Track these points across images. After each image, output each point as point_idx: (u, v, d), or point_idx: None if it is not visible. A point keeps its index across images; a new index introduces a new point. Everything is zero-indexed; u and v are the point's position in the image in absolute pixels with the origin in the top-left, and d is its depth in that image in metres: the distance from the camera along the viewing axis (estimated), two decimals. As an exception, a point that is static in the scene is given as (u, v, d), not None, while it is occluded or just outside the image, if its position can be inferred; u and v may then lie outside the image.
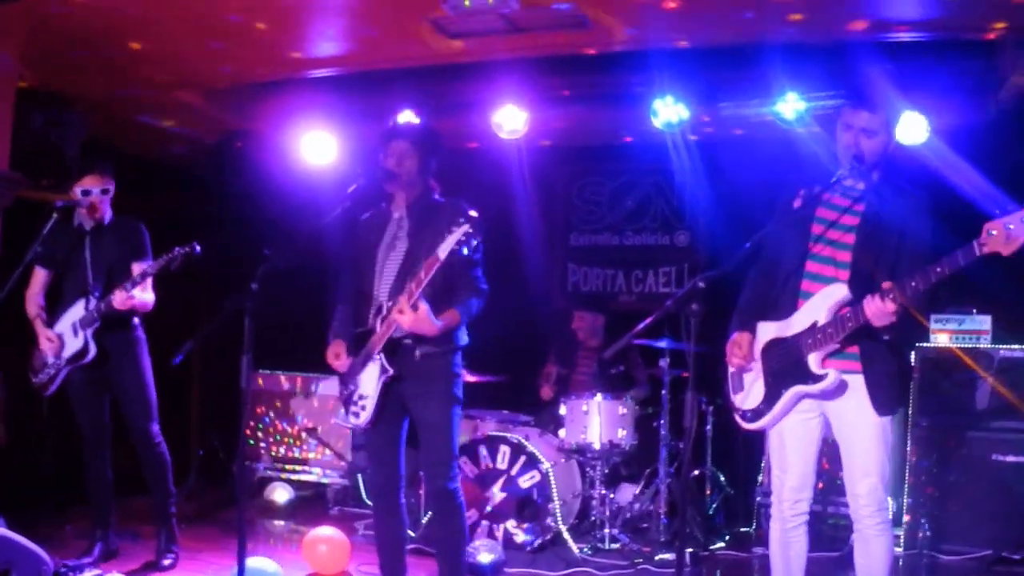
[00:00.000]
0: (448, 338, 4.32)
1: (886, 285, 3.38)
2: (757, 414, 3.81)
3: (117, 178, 5.37)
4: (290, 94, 6.91)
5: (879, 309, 3.40)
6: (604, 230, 8.40)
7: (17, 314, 5.36)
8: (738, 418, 3.94)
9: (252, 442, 7.95)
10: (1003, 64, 5.73)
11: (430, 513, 6.10)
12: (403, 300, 4.05)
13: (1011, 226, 3.15)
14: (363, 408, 4.36)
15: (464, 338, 4.41)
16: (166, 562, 5.42)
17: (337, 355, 4.44)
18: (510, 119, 6.78)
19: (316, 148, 7.41)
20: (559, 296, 8.32)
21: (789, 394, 3.69)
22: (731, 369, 3.95)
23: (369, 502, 4.83)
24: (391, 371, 4.25)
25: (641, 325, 3.72)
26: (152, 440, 5.43)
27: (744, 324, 3.87)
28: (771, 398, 3.76)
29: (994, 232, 3.18)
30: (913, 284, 3.34)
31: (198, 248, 4.98)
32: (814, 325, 3.61)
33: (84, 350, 5.20)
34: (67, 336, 5.23)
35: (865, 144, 3.67)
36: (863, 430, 3.64)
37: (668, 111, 6.39)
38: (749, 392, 3.86)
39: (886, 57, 5.63)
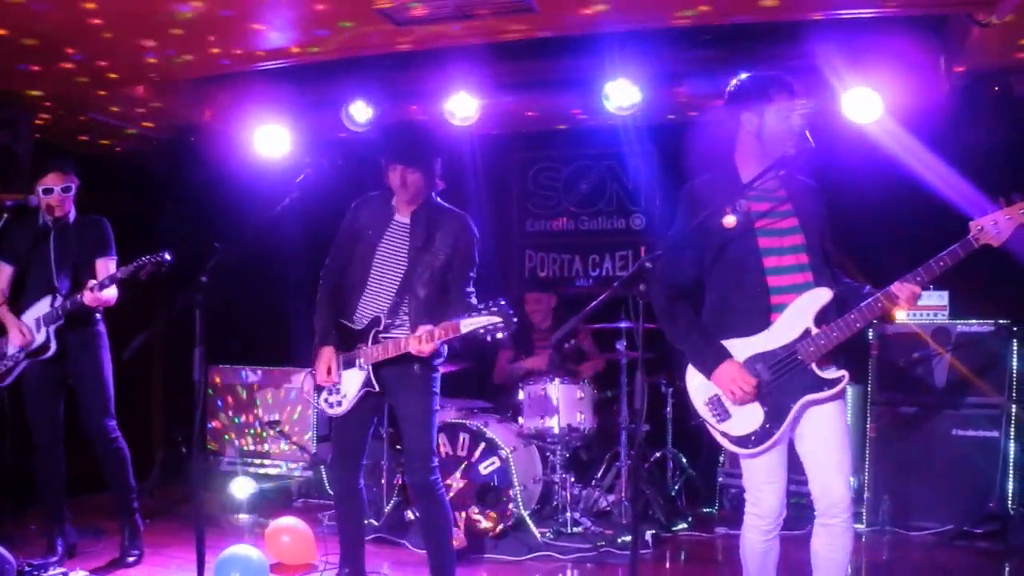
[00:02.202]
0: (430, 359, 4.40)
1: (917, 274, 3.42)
2: (765, 435, 3.55)
3: (81, 177, 5.39)
4: (242, 87, 6.88)
5: (912, 292, 3.42)
6: (560, 215, 8.42)
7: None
8: (734, 447, 3.63)
9: (215, 437, 7.94)
10: (955, 40, 5.77)
11: (393, 502, 6.15)
12: (426, 336, 4.11)
13: (995, 223, 3.33)
14: (339, 403, 4.46)
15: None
16: (131, 559, 5.45)
17: (324, 381, 4.45)
18: (462, 107, 6.78)
19: (269, 141, 7.38)
20: (517, 283, 8.34)
21: (798, 406, 3.55)
22: (705, 401, 3.67)
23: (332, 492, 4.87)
24: (375, 388, 4.36)
25: (589, 307, 3.71)
26: (109, 435, 5.44)
27: (723, 353, 3.59)
28: (777, 415, 3.55)
29: (984, 228, 3.33)
30: (919, 278, 3.41)
31: (168, 257, 5.05)
32: (807, 332, 3.53)
33: (46, 345, 5.30)
34: (35, 330, 5.30)
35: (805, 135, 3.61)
36: (838, 426, 3.62)
37: (620, 94, 6.41)
38: (741, 416, 3.60)
39: (837, 32, 5.66)
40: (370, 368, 4.34)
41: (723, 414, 3.63)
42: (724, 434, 3.64)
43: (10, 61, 5.94)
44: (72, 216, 5.44)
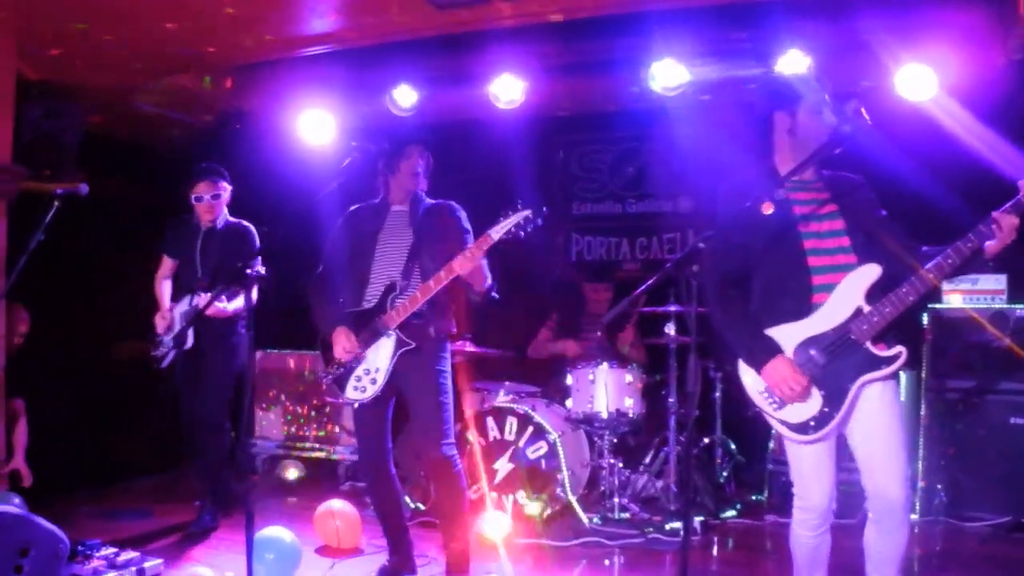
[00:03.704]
0: (448, 320, 4.54)
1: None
2: (825, 419, 3.48)
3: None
4: (286, 73, 6.87)
5: (1011, 224, 3.30)
6: (606, 198, 8.34)
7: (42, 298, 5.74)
8: (794, 434, 3.54)
9: (263, 422, 7.98)
10: (1013, 12, 5.59)
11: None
12: (475, 248, 4.20)
13: None
14: (372, 382, 4.48)
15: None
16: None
17: (347, 350, 4.49)
18: (507, 89, 6.73)
19: (314, 127, 7.37)
20: (563, 266, 8.28)
21: (856, 387, 3.48)
22: (761, 391, 3.60)
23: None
24: (412, 344, 4.42)
25: (639, 290, 3.67)
26: (220, 426, 5.84)
27: (772, 350, 3.52)
28: (836, 398, 3.48)
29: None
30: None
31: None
32: (859, 310, 3.47)
33: (183, 339, 5.66)
34: (176, 322, 5.77)
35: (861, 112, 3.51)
36: (893, 422, 3.54)
37: (666, 74, 6.31)
38: (796, 403, 3.53)
39: (889, 8, 5.53)
40: (397, 331, 4.41)
41: (780, 402, 3.56)
42: (782, 422, 3.57)
43: (58, 49, 5.98)
44: (222, 221, 5.85)
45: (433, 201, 4.68)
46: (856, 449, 3.58)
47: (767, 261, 3.62)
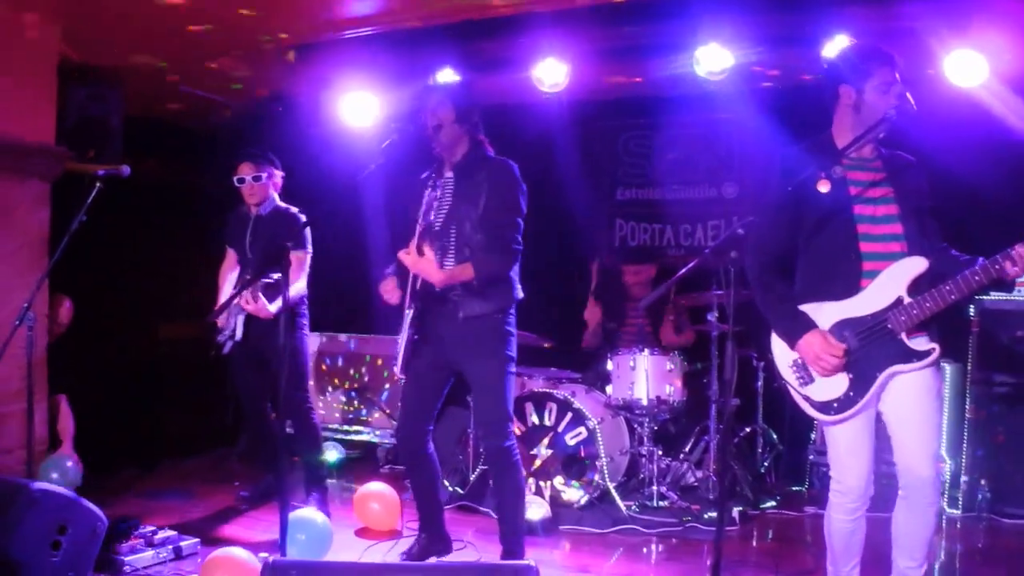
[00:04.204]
0: (496, 297, 4.37)
1: None
2: (848, 402, 3.51)
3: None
4: (329, 55, 6.84)
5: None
6: (650, 184, 8.25)
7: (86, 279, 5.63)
8: (816, 412, 3.59)
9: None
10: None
11: (479, 470, 6.13)
12: (411, 245, 4.19)
13: None
14: (397, 354, 4.55)
15: (516, 295, 4.45)
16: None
17: (391, 291, 4.51)
18: (550, 73, 6.66)
19: (357, 109, 7.37)
20: (607, 252, 8.23)
21: (883, 376, 3.48)
22: (790, 364, 3.63)
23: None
24: (415, 335, 4.43)
25: (679, 274, 3.65)
26: (301, 407, 5.73)
27: (807, 326, 3.53)
28: (862, 383, 3.49)
29: None
30: None
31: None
32: (899, 301, 3.44)
33: (234, 328, 5.57)
34: (231, 313, 5.60)
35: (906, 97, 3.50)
36: (927, 402, 3.52)
37: (711, 59, 6.22)
38: (825, 382, 3.55)
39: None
40: (410, 313, 4.42)
41: (807, 378, 3.58)
42: (806, 398, 3.60)
43: (103, 32, 6.02)
44: (269, 206, 5.71)
45: (483, 157, 4.49)
46: (890, 426, 3.58)
47: (817, 240, 3.60)
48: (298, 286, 5.54)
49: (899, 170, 3.62)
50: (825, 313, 3.54)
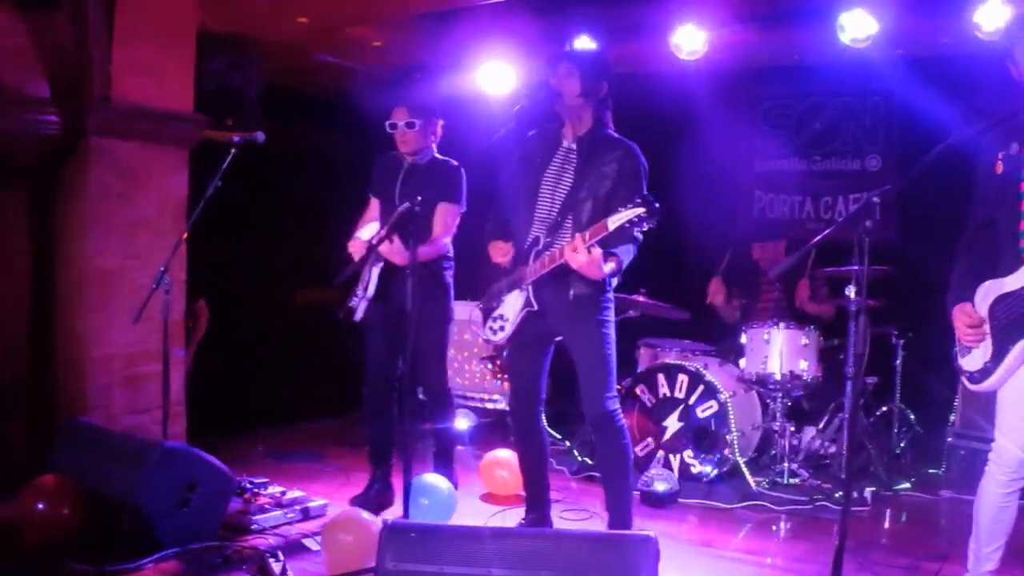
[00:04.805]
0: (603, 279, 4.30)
1: None
2: (984, 373, 3.52)
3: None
4: (464, 23, 6.87)
5: None
6: (791, 155, 8.04)
7: (223, 245, 5.76)
8: (965, 381, 3.67)
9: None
10: None
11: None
12: (579, 241, 3.99)
13: None
14: (501, 328, 4.50)
15: (616, 277, 4.36)
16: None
17: (504, 252, 4.44)
18: (689, 40, 6.55)
19: (494, 78, 7.38)
20: (744, 223, 8.07)
21: (1017, 348, 3.40)
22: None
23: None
24: (535, 307, 4.35)
25: (811, 243, 3.56)
26: (438, 387, 5.52)
27: (959, 298, 3.59)
28: (998, 355, 3.47)
29: None
30: None
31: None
32: None
33: (368, 282, 5.22)
34: (371, 268, 5.19)
35: None
36: None
37: (855, 25, 6.00)
38: (976, 351, 3.57)
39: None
40: (530, 288, 4.33)
41: (965, 349, 3.61)
42: (961, 367, 3.65)
43: (239, 5, 6.16)
44: (427, 156, 5.31)
45: (606, 135, 4.37)
46: None
47: (990, 218, 3.56)
48: (444, 241, 5.25)
49: None
50: (989, 290, 3.53)
